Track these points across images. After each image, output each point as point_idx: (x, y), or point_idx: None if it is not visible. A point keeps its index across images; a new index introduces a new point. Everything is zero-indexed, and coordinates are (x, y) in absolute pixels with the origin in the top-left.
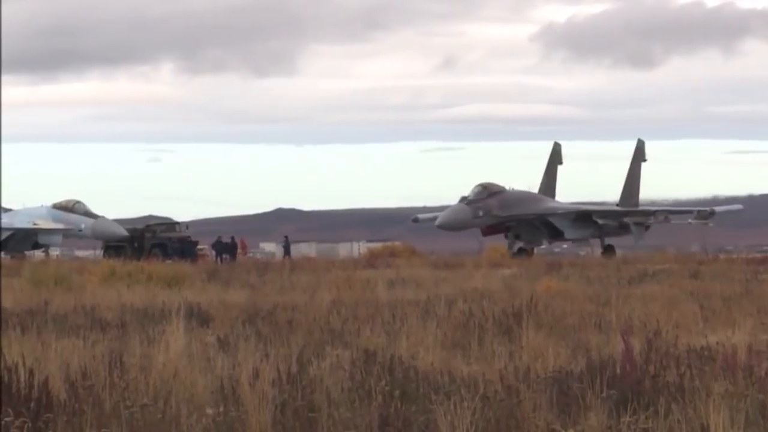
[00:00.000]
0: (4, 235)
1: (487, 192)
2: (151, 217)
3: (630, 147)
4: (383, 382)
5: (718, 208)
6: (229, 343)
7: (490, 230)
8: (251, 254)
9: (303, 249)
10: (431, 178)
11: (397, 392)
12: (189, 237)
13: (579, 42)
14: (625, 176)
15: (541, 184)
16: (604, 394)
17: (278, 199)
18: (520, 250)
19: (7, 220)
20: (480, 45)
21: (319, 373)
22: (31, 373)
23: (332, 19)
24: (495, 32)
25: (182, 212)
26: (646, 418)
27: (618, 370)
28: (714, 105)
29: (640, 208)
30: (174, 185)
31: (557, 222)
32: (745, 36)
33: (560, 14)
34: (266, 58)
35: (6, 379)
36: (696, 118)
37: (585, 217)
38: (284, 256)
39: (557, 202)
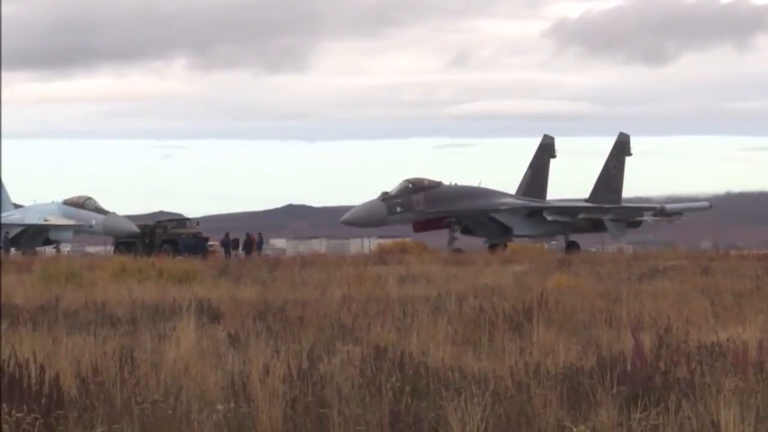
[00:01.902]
0: (16, 230)
1: (413, 188)
2: (161, 213)
3: (643, 143)
4: (394, 378)
5: (682, 205)
6: (240, 339)
7: (420, 226)
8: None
9: (314, 245)
10: (443, 174)
11: (407, 388)
12: (200, 233)
13: (592, 38)
14: (600, 171)
15: (525, 177)
16: (614, 391)
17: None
18: (492, 246)
19: (18, 216)
20: (493, 41)
21: (330, 369)
22: (42, 369)
23: (345, 16)
24: (508, 28)
25: (193, 208)
26: (657, 414)
27: (629, 367)
28: (727, 101)
29: (595, 204)
30: (186, 181)
31: (503, 218)
32: (759, 32)
33: (573, 10)
34: (279, 55)
35: (17, 375)
36: (709, 114)
37: (539, 214)
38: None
39: (512, 197)
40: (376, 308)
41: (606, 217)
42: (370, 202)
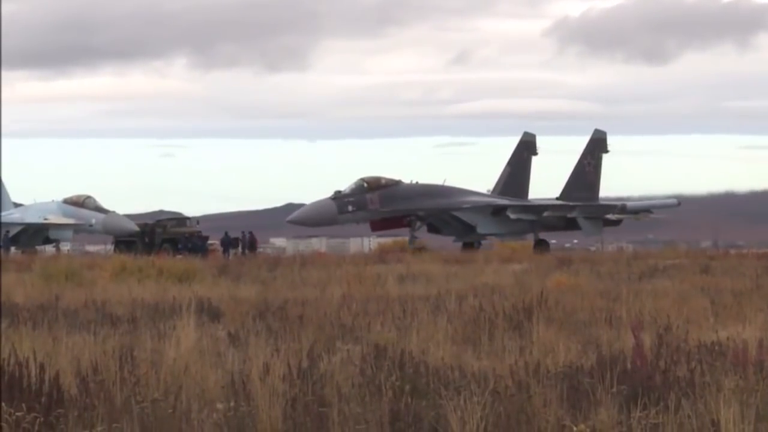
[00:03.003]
0: (16, 229)
1: (368, 187)
2: (161, 212)
3: (643, 142)
4: (394, 377)
5: (648, 203)
6: (240, 338)
7: (377, 225)
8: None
9: (314, 244)
10: (444, 173)
11: (407, 387)
12: (200, 232)
13: (593, 37)
14: (573, 168)
15: (502, 175)
16: (614, 390)
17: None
18: (466, 245)
19: (18, 215)
20: (494, 40)
21: (330, 368)
22: (42, 368)
23: (346, 15)
24: (509, 27)
25: (193, 207)
26: (657, 413)
27: (628, 366)
28: (728, 100)
29: (561, 203)
30: (186, 180)
31: (465, 217)
32: (760, 31)
33: (575, 9)
34: (279, 54)
35: (17, 374)
36: (710, 113)
37: (504, 212)
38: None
39: (478, 195)
40: (376, 307)
41: (572, 215)
42: (320, 201)
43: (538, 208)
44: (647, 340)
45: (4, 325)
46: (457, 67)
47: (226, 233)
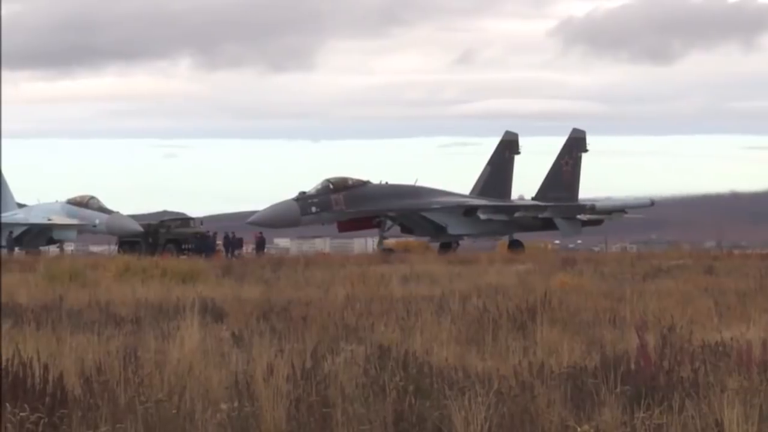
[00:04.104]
0: (20, 230)
1: (333, 187)
2: (165, 212)
3: (648, 142)
4: (397, 378)
5: (620, 203)
6: (244, 338)
7: (345, 226)
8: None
9: (318, 244)
10: (448, 173)
11: (411, 388)
12: (207, 232)
13: (598, 37)
14: (549, 168)
15: (482, 174)
16: (618, 390)
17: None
18: (444, 245)
19: (22, 216)
20: (498, 40)
21: (334, 369)
22: (46, 368)
23: (350, 15)
24: (514, 27)
25: (197, 207)
26: (660, 413)
27: (632, 366)
28: (732, 100)
29: (532, 203)
30: (190, 181)
31: (435, 217)
32: (765, 31)
33: (580, 9)
34: (283, 54)
35: (21, 374)
36: (714, 113)
37: (474, 212)
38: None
39: (450, 196)
40: (379, 308)
41: (543, 215)
42: (282, 202)
43: (510, 209)
44: (651, 340)
45: (7, 326)
46: (462, 68)
47: (226, 234)
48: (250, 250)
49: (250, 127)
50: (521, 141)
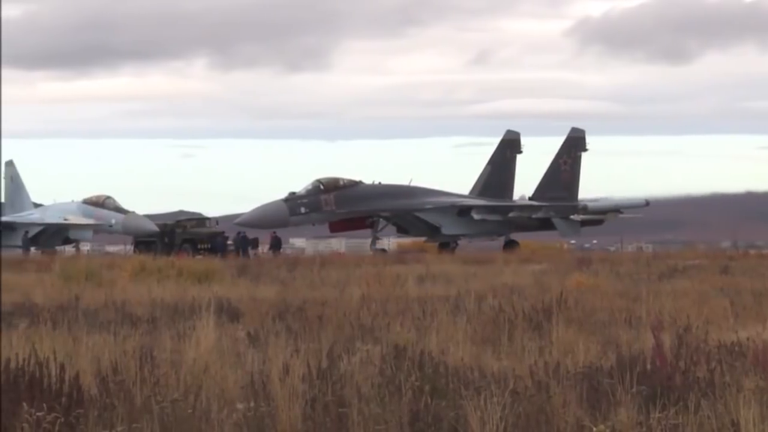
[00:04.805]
0: (36, 230)
1: (324, 188)
2: (181, 212)
3: (663, 142)
4: (413, 378)
5: (613, 203)
6: (260, 338)
7: (336, 226)
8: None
9: (333, 244)
10: (463, 173)
11: (427, 387)
12: (223, 232)
13: (614, 37)
14: (547, 167)
15: (482, 174)
16: (634, 390)
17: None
18: (443, 245)
19: (38, 216)
20: (514, 40)
21: (349, 369)
22: (63, 368)
23: (366, 15)
24: (530, 27)
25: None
26: (676, 413)
27: (648, 366)
28: (748, 100)
29: (527, 203)
30: (205, 181)
31: (428, 218)
32: None
33: (596, 9)
34: (299, 54)
35: (38, 374)
36: (730, 113)
37: (468, 213)
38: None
39: (446, 196)
40: (395, 307)
41: (537, 215)
42: (271, 203)
43: (504, 209)
44: (667, 340)
45: (23, 326)
46: (477, 68)
47: (238, 233)
48: (265, 250)
49: (265, 127)
50: (536, 140)
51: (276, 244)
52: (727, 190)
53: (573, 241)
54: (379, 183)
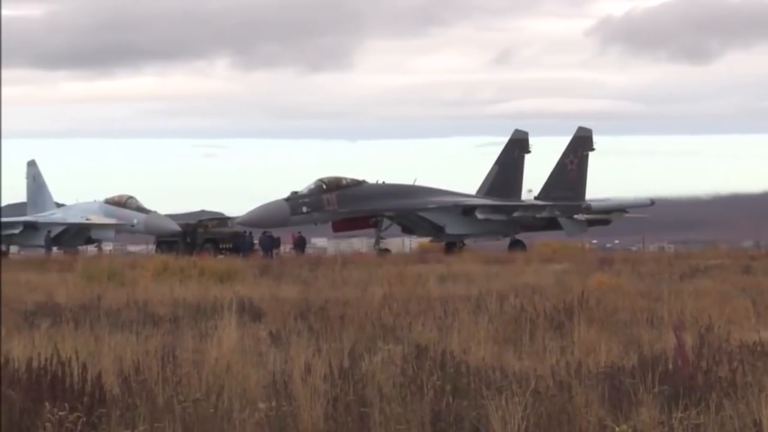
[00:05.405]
0: (58, 229)
1: (326, 187)
2: (203, 212)
3: (685, 142)
4: (435, 377)
5: (617, 203)
6: (281, 337)
7: (339, 226)
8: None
9: (355, 244)
10: (484, 172)
11: (448, 387)
12: (249, 232)
13: (636, 36)
14: (554, 167)
15: (490, 174)
16: (656, 390)
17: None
18: (449, 245)
19: (60, 215)
20: (536, 40)
21: (371, 368)
22: (85, 367)
23: (388, 14)
24: (552, 27)
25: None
26: (698, 413)
27: (670, 366)
28: None
29: (531, 203)
30: (227, 180)
31: (432, 217)
32: None
33: (618, 8)
34: (321, 53)
35: (60, 373)
36: (752, 112)
37: (473, 212)
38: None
39: (450, 195)
40: (417, 307)
41: (540, 215)
42: (273, 202)
43: (508, 208)
44: (689, 340)
45: (46, 325)
46: (499, 67)
47: (264, 233)
48: (288, 249)
49: (287, 126)
50: (555, 140)
51: (300, 244)
52: (750, 189)
53: (595, 241)
54: (383, 182)
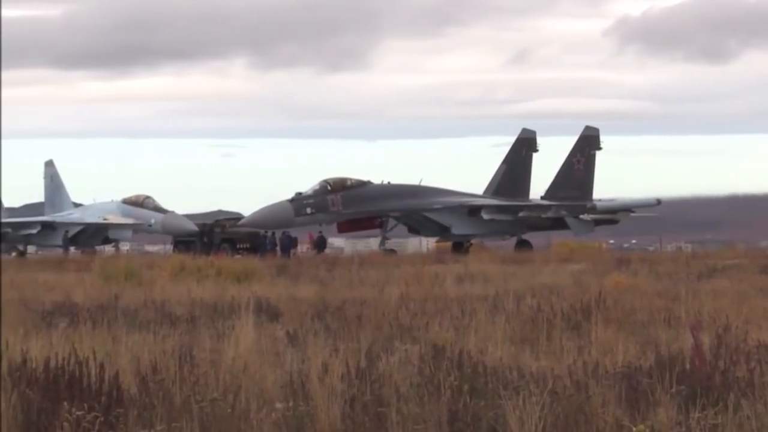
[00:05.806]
0: (75, 229)
1: (331, 188)
2: (220, 212)
3: (703, 142)
4: (452, 377)
5: (622, 203)
6: (299, 337)
7: (344, 227)
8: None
9: (372, 244)
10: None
11: (465, 387)
12: (266, 232)
13: (653, 36)
14: (560, 166)
15: (497, 173)
16: (673, 390)
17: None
18: (456, 245)
19: (77, 215)
20: (554, 40)
21: (388, 368)
22: (102, 367)
23: (405, 14)
24: (569, 27)
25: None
26: (716, 413)
27: (687, 366)
28: None
29: (536, 202)
30: (245, 180)
31: (438, 217)
32: None
33: (636, 8)
34: (339, 54)
35: (77, 373)
36: None
37: (479, 212)
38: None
39: (456, 195)
40: (434, 307)
41: (546, 215)
42: (276, 203)
43: (513, 208)
44: (706, 340)
45: (63, 325)
46: (516, 67)
47: (283, 233)
48: (305, 249)
49: (305, 126)
50: (573, 140)
51: (321, 244)
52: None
53: (612, 241)
54: (388, 183)
